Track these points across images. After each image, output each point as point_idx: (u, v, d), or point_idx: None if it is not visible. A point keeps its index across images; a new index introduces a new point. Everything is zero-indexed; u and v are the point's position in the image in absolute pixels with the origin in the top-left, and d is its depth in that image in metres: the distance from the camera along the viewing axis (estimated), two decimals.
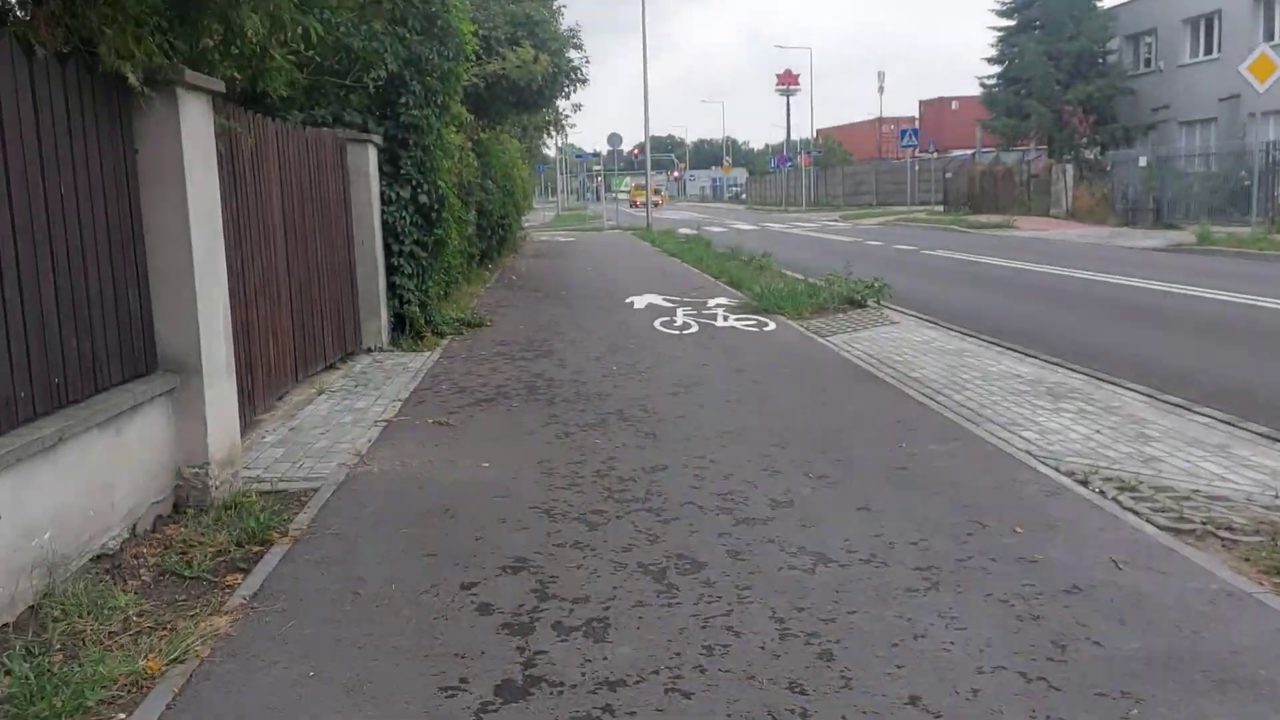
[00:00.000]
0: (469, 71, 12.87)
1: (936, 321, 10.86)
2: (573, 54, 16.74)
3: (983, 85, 42.64)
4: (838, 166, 63.54)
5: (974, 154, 45.91)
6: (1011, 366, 8.09)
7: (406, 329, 9.77)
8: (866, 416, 6.42)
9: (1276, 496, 4.51)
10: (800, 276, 15.20)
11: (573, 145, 49.66)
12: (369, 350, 9.29)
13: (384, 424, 6.44)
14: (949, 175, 41.76)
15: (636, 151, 62.36)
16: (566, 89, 17.33)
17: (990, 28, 41.30)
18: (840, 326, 10.60)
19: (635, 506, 4.65)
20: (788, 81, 71.27)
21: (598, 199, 58.80)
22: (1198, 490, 4.66)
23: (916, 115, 62.57)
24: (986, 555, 3.91)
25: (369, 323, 9.31)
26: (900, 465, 5.26)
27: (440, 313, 10.56)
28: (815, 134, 74.43)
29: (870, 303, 12.07)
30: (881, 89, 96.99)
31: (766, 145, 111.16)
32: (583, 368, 8.42)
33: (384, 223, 9.47)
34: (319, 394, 7.40)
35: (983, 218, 32.19)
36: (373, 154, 9.27)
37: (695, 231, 29.84)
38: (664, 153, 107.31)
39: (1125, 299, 12.50)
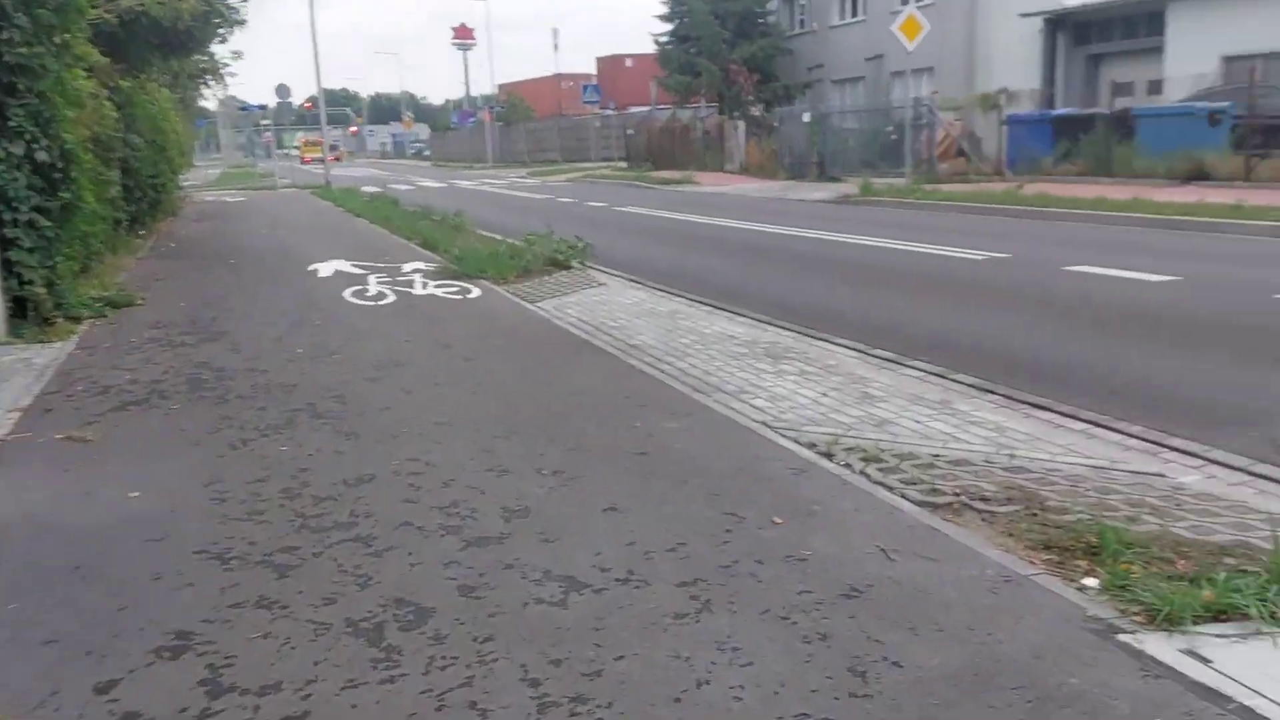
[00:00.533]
0: (96, 5, 10.89)
1: (643, 282, 10.58)
2: None
3: (657, 43, 43.70)
4: (521, 123, 63.03)
5: (650, 110, 47.09)
6: (725, 328, 7.90)
7: (30, 315, 8.02)
8: (593, 392, 5.88)
9: (1012, 457, 4.46)
10: (499, 237, 14.49)
11: (235, 98, 45.19)
12: None
13: None
14: (630, 132, 42.45)
15: (309, 105, 58.17)
16: (221, 32, 15.37)
17: None
18: (548, 290, 10.03)
19: (338, 536, 3.79)
20: (464, 35, 69.14)
21: (268, 155, 54.36)
22: (938, 455, 4.52)
23: (595, 72, 63.27)
24: (752, 557, 3.47)
25: None
26: (639, 449, 4.76)
27: (75, 292, 8.81)
28: (497, 89, 73.41)
29: (575, 263, 11.61)
30: (557, 46, 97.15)
31: (447, 101, 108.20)
32: (262, 352, 7.24)
33: None
34: None
35: (665, 173, 32.95)
36: None
37: (380, 190, 28.13)
38: (339, 107, 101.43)
39: (812, 251, 12.93)
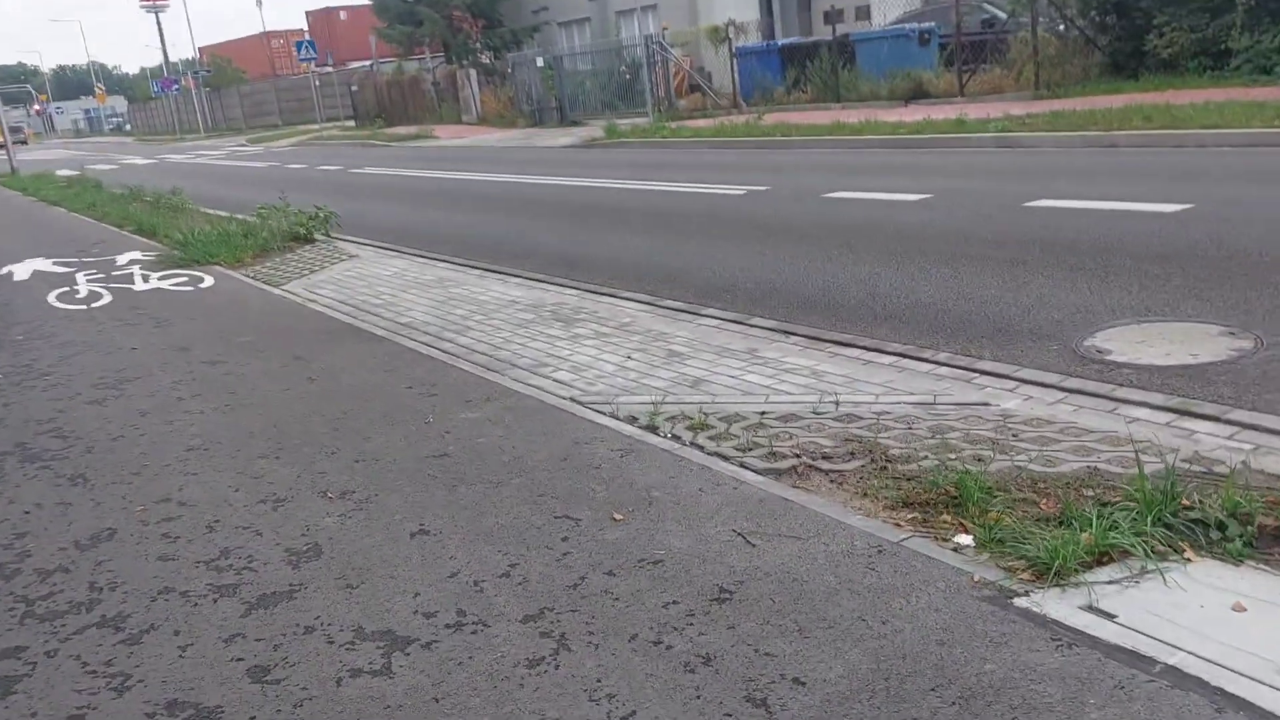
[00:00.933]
0: None
1: (398, 249, 9.76)
2: None
3: None
4: (232, 87, 58.35)
5: (373, 64, 44.79)
6: (503, 292, 7.32)
7: None
8: (371, 388, 5.17)
9: (837, 404, 4.23)
10: (227, 214, 13.06)
11: None
12: None
13: None
14: (354, 88, 40.16)
15: None
16: None
17: None
18: (293, 270, 9.02)
19: (77, 623, 2.98)
20: None
21: None
22: (765, 413, 4.22)
23: (305, 28, 59.24)
24: (600, 569, 3.01)
25: None
26: (439, 450, 4.16)
27: None
28: (199, 53, 67.41)
29: (318, 235, 10.58)
30: (260, 2, 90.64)
31: (143, 69, 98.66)
32: None
33: None
34: None
35: (399, 129, 31.39)
36: None
37: (78, 172, 24.96)
38: (17, 84, 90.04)
39: (570, 199, 12.49)
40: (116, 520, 3.73)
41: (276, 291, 8.06)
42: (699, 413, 4.27)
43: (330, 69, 46.81)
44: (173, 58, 66.38)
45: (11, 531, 3.71)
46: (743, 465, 3.70)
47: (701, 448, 3.92)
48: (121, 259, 10.31)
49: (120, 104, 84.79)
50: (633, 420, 4.31)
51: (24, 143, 60.49)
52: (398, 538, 3.38)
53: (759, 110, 19.73)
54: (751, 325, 5.76)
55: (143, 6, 63.38)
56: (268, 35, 62.69)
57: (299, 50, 39.60)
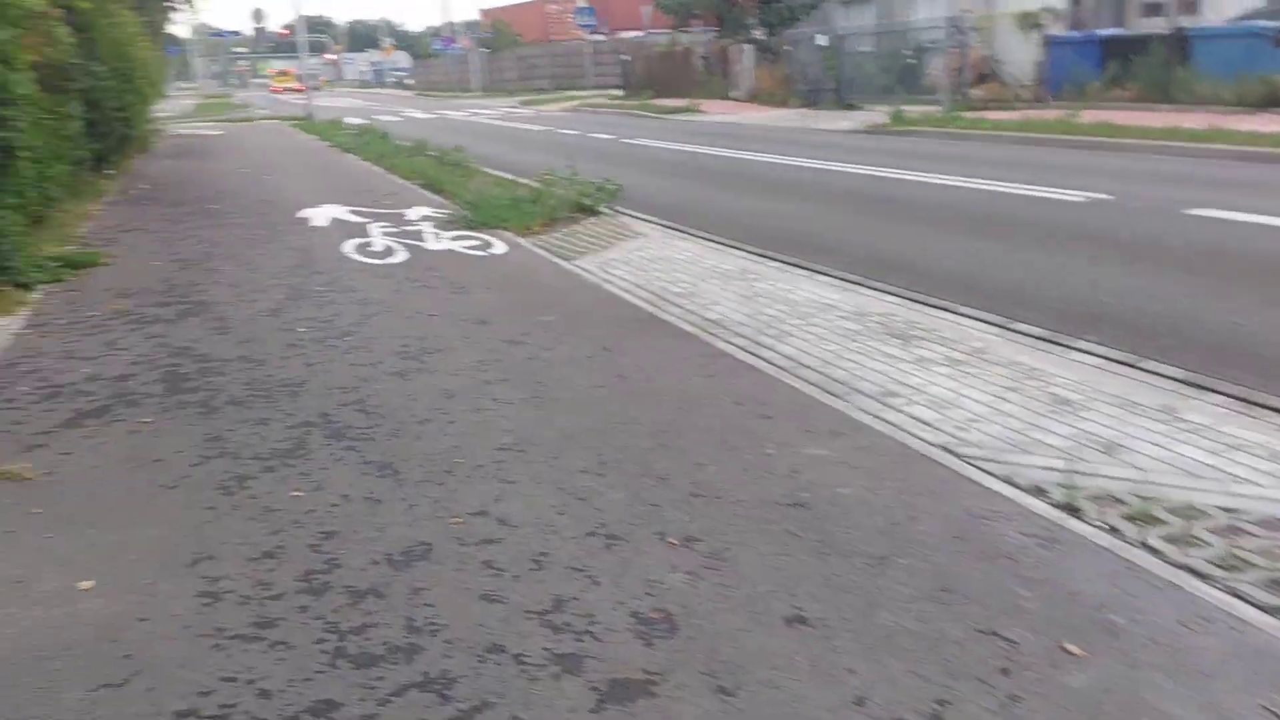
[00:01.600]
0: None
1: (688, 230, 9.16)
2: None
3: None
4: (509, 49, 60.43)
5: (644, 35, 44.91)
6: (816, 292, 6.52)
7: None
8: (692, 396, 4.51)
9: None
10: (510, 177, 12.97)
11: (206, 25, 42.82)
12: None
13: None
14: (626, 58, 40.36)
15: (286, 31, 55.51)
16: None
17: None
18: (582, 244, 8.59)
19: (395, 680, 2.44)
20: None
21: (244, 85, 51.93)
22: (1234, 510, 3.20)
23: None
24: None
25: None
26: (792, 497, 3.42)
27: (26, 253, 7.32)
28: (481, 15, 70.45)
29: (603, 208, 10.16)
30: None
31: (427, 27, 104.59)
32: (255, 332, 5.83)
33: None
34: None
35: (667, 102, 31.12)
36: None
37: (366, 121, 26.26)
38: (316, 34, 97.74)
39: (870, 190, 11.47)
40: (431, 532, 3.23)
41: (568, 266, 7.62)
42: (1134, 496, 3.30)
43: (602, 37, 47.38)
44: (456, 19, 69.78)
45: (319, 528, 3.29)
46: (1236, 595, 2.72)
47: (1159, 553, 2.96)
48: (411, 214, 10.28)
49: (403, 59, 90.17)
50: (1039, 492, 3.40)
51: (317, 89, 65.50)
52: (769, 622, 2.66)
53: (1067, 106, 17.80)
54: (1149, 371, 4.67)
55: None
56: (545, 0, 64.56)
57: (578, 16, 40.20)
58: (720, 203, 11.24)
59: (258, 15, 36.36)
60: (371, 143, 18.89)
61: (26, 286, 6.97)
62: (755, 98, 29.87)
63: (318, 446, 4.02)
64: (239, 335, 5.76)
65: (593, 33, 45.68)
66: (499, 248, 8.40)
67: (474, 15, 69.98)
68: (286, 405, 4.52)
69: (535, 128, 25.54)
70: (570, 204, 10.02)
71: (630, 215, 10.00)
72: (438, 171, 13.41)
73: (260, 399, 4.62)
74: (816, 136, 18.92)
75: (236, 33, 48.12)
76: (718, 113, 26.78)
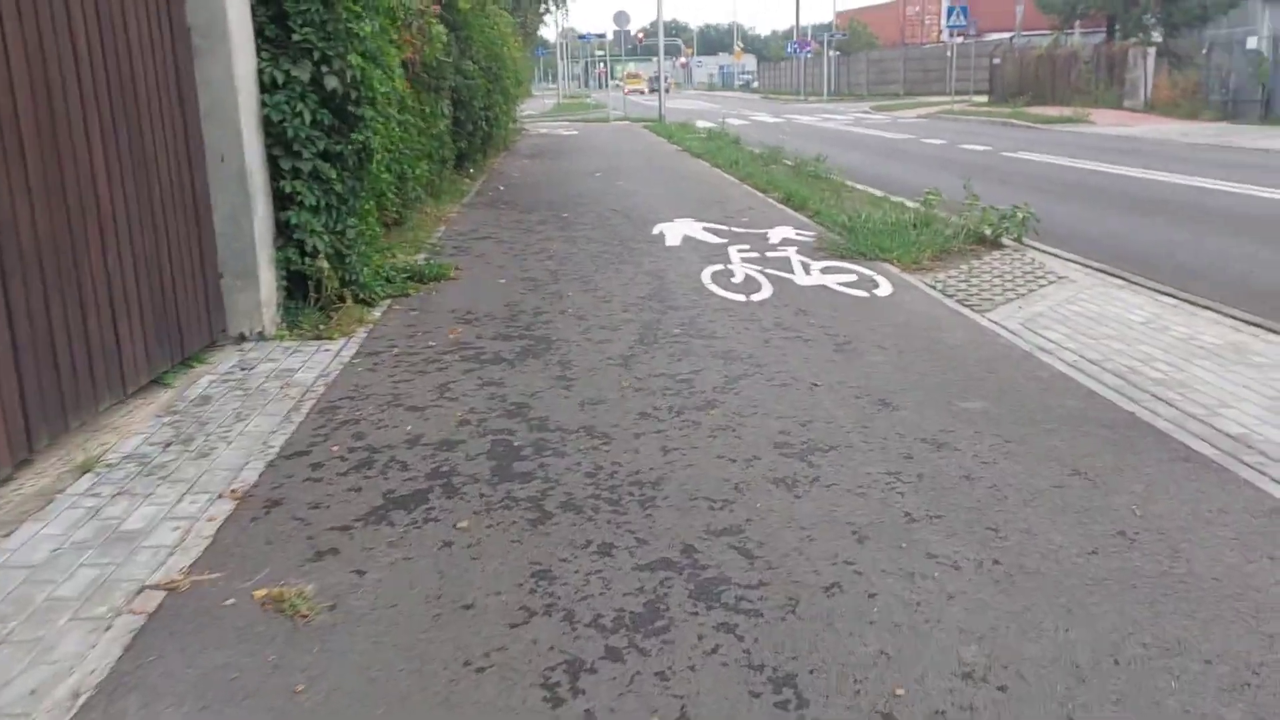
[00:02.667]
0: None
1: (1122, 275, 7.16)
2: None
3: None
4: (861, 53, 58.27)
5: (1012, 36, 41.21)
6: None
7: (311, 295, 6.07)
8: (1263, 598, 2.78)
9: None
10: (879, 193, 11.40)
11: (573, 28, 44.58)
12: (240, 338, 5.61)
13: (140, 612, 2.79)
14: (997, 61, 37.09)
15: (641, 36, 57.10)
16: None
17: None
18: (988, 286, 6.87)
19: None
20: None
21: (601, 86, 53.92)
22: None
23: None
24: None
25: (240, 293, 5.59)
26: None
27: (372, 264, 6.81)
28: (835, 17, 68.72)
29: (1008, 240, 8.34)
30: None
31: (774, 31, 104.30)
32: (603, 388, 4.74)
33: (267, 121, 5.68)
34: (81, 473, 3.75)
35: (1043, 110, 27.90)
36: (238, 1, 5.40)
37: (716, 125, 25.55)
38: (670, 38, 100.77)
39: None
40: None
41: (981, 320, 5.96)
42: None
43: (968, 39, 44.04)
44: (807, 21, 68.64)
45: None
46: None
47: None
48: (773, 235, 9.01)
49: (750, 62, 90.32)
50: None
51: (667, 91, 66.95)
52: None
53: None
54: None
55: None
56: (904, 1, 61.61)
57: (948, 17, 37.41)
58: (1152, 238, 9.00)
59: (621, 18, 36.92)
60: (723, 148, 18.00)
61: (370, 303, 6.42)
62: (1153, 108, 26.02)
63: (680, 616, 2.74)
64: (584, 393, 4.69)
65: (963, 35, 42.48)
66: (883, 287, 6.88)
67: (826, 18, 68.25)
68: (638, 522, 3.31)
69: (895, 135, 23.62)
70: (968, 233, 8.30)
71: (1041, 250, 8.12)
72: (797, 184, 12.09)
73: (605, 505, 3.45)
74: (1241, 156, 15.64)
75: (602, 35, 49.82)
76: (1111, 124, 23.47)
